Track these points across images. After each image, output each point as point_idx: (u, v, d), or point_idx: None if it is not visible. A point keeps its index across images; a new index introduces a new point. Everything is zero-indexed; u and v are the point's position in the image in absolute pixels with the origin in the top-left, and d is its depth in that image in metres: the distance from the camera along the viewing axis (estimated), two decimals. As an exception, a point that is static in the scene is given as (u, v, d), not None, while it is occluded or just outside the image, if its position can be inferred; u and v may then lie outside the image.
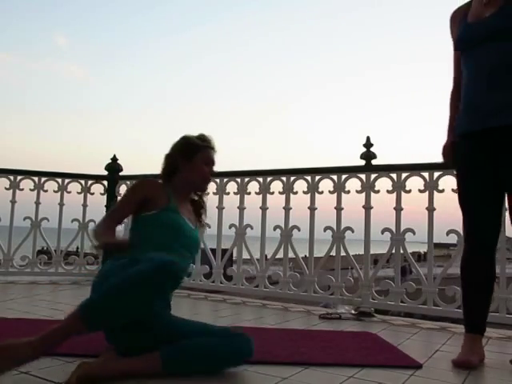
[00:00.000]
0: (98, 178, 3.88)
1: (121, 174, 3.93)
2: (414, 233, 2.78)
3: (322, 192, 3.05)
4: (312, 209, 3.08)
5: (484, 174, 1.76)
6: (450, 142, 1.88)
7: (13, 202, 3.67)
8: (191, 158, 1.81)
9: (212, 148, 1.87)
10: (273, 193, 3.23)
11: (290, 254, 3.13)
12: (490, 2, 1.77)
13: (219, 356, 1.47)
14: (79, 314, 1.33)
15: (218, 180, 3.43)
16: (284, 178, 3.18)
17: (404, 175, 2.81)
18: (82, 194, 3.81)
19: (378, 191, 2.89)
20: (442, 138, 1.95)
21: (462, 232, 2.54)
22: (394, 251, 2.84)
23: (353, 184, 2.96)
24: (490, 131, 1.71)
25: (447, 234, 2.64)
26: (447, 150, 1.90)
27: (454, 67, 1.94)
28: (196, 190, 1.88)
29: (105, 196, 3.88)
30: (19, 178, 3.70)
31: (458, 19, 1.89)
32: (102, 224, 1.69)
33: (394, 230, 2.79)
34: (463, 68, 1.85)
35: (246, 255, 3.32)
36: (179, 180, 1.81)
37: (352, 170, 2.96)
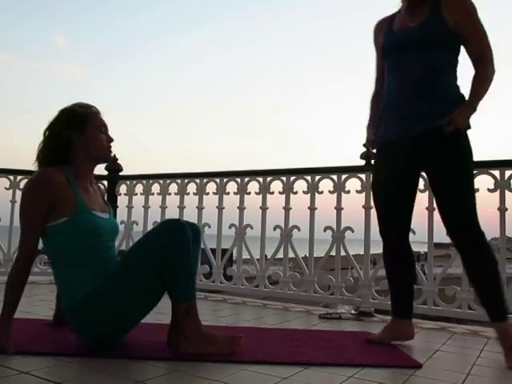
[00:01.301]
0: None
1: (121, 173, 3.93)
2: (414, 233, 2.77)
3: (322, 192, 3.05)
4: (312, 209, 3.08)
5: (403, 174, 1.93)
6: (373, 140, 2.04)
7: (13, 202, 3.67)
8: (83, 129, 1.65)
9: (99, 112, 1.73)
10: (273, 193, 3.23)
11: (290, 254, 3.13)
12: (416, 14, 1.86)
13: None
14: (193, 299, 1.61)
15: (217, 180, 3.43)
16: (284, 178, 3.18)
17: (404, 175, 2.80)
18: (82, 194, 3.81)
19: (378, 191, 2.89)
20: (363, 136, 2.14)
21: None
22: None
23: (353, 184, 2.96)
24: (413, 137, 1.84)
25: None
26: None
27: (376, 70, 2.08)
28: (100, 161, 1.75)
29: (105, 196, 3.87)
30: (19, 178, 3.69)
31: (385, 28, 1.98)
32: (15, 275, 1.57)
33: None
34: (387, 75, 1.95)
35: (246, 255, 3.32)
36: (78, 158, 1.66)
37: (352, 170, 2.96)
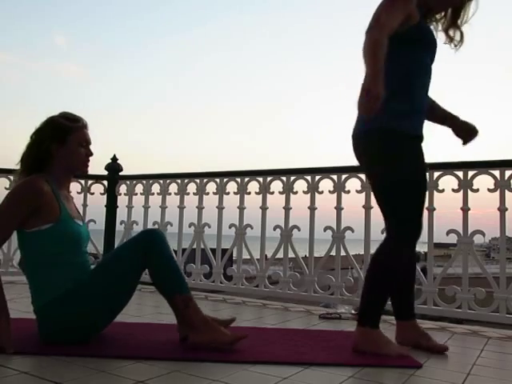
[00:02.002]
0: (97, 178, 3.88)
1: (121, 173, 3.93)
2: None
3: (322, 192, 3.05)
4: (312, 209, 3.08)
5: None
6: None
7: (13, 201, 3.67)
8: (64, 141, 1.73)
9: (84, 126, 1.79)
10: (273, 193, 3.22)
11: (290, 254, 3.13)
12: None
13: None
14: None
15: (217, 180, 3.43)
16: (284, 178, 3.18)
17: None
18: (82, 194, 3.80)
19: (378, 191, 2.89)
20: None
21: (461, 231, 2.57)
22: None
23: (353, 184, 2.95)
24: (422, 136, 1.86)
25: (447, 233, 2.64)
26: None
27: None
28: (75, 173, 1.84)
29: (105, 196, 3.88)
30: (19, 177, 3.70)
31: (419, 18, 1.80)
32: None
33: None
34: (419, 68, 1.83)
35: (246, 255, 3.32)
36: (57, 168, 1.74)
37: (352, 170, 2.95)
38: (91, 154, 1.81)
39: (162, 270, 1.71)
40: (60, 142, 1.72)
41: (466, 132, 1.99)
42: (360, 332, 1.76)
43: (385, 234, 1.83)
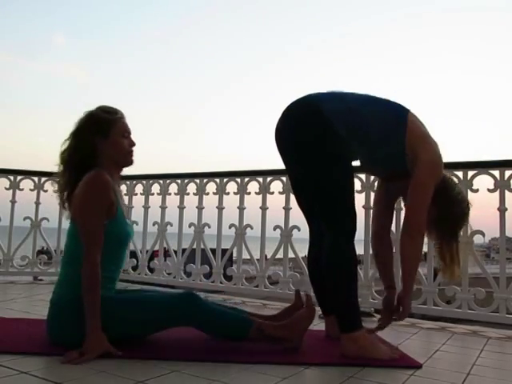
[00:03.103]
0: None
1: (121, 174, 3.92)
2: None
3: (321, 192, 3.04)
4: (312, 209, 3.08)
5: None
6: None
7: (13, 202, 3.67)
8: (107, 134, 1.71)
9: (122, 117, 1.78)
10: (273, 193, 3.22)
11: (290, 254, 3.13)
12: None
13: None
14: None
15: (217, 180, 3.43)
16: (284, 178, 3.17)
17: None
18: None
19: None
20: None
21: (461, 232, 2.56)
22: (394, 250, 2.83)
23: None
24: None
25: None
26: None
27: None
28: (122, 165, 1.81)
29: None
30: (19, 178, 3.69)
31: None
32: (89, 271, 1.55)
33: (393, 230, 2.78)
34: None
35: (246, 255, 3.32)
36: (105, 163, 1.72)
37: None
38: (134, 144, 1.79)
39: (215, 332, 1.70)
40: (103, 136, 1.70)
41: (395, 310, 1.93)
42: (346, 339, 1.67)
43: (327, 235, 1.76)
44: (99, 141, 1.70)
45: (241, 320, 1.70)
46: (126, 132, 1.77)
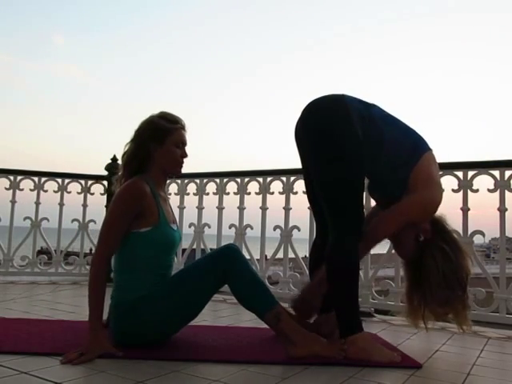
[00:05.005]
0: (97, 178, 3.88)
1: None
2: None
3: (321, 192, 3.04)
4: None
5: None
6: None
7: (13, 201, 3.67)
8: (163, 142, 1.73)
9: (182, 128, 1.79)
10: (273, 193, 3.23)
11: (290, 254, 3.13)
12: None
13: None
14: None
15: (217, 180, 3.43)
16: (284, 178, 3.18)
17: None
18: (82, 194, 3.81)
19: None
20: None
21: (461, 232, 2.57)
22: (393, 251, 2.84)
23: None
24: None
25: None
26: None
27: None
28: (170, 173, 1.83)
29: (105, 196, 3.87)
30: (19, 178, 3.69)
31: None
32: (98, 265, 1.60)
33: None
34: None
35: (246, 255, 3.31)
36: (155, 169, 1.74)
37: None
38: (186, 156, 1.80)
39: (245, 289, 1.69)
40: (158, 143, 1.73)
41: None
42: (347, 342, 1.64)
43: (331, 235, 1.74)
44: (154, 147, 1.73)
45: (269, 295, 1.68)
46: (181, 143, 1.78)
